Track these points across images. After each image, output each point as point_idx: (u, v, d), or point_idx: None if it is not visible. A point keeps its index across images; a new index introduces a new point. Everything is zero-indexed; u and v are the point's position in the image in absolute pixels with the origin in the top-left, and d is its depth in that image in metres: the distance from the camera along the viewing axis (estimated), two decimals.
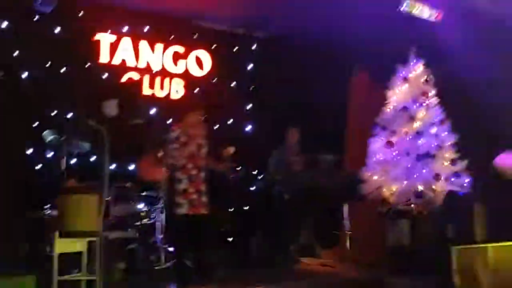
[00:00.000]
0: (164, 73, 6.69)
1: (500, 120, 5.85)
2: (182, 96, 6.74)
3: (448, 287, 4.62)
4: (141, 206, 5.76)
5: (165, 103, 6.58)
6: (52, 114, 5.95)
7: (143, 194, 5.83)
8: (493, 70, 5.73)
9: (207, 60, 6.97)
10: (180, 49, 6.83)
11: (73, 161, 5.86)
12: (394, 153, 6.31)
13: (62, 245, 4.27)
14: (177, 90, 6.77)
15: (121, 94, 5.85)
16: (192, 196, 4.85)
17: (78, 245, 4.36)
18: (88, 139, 5.17)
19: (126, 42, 6.46)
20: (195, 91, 6.85)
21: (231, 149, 5.28)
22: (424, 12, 5.55)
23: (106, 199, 4.43)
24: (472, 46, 5.81)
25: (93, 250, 4.37)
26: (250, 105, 7.26)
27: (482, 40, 5.68)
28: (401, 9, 5.49)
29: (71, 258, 4.46)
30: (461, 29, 5.75)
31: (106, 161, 4.05)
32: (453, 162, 6.11)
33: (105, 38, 6.34)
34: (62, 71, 6.06)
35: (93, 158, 5.89)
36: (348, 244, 6.36)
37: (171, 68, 6.76)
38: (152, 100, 6.54)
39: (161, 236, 5.72)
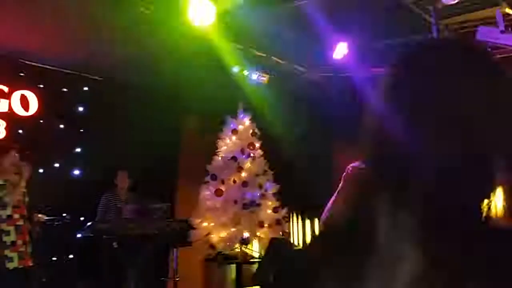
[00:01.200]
0: None
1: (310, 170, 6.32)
2: (3, 138, 6.34)
3: None
4: None
5: None
6: None
7: None
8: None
9: (33, 101, 6.64)
10: (3, 87, 6.44)
11: None
12: (222, 201, 6.47)
13: None
14: None
15: None
16: (21, 248, 4.69)
17: None
18: None
19: None
20: (19, 133, 6.49)
21: (43, 217, 5.23)
22: (253, 75, 6.02)
23: None
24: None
25: None
26: (79, 149, 7.02)
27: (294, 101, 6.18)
28: (233, 71, 5.91)
29: None
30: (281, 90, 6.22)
31: None
32: (275, 210, 6.40)
33: None
34: None
35: None
36: None
37: None
38: None
39: None
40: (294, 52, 6.16)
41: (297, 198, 6.47)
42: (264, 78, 6.13)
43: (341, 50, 6.15)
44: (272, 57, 6.06)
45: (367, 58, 6.38)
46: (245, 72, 5.98)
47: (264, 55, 5.97)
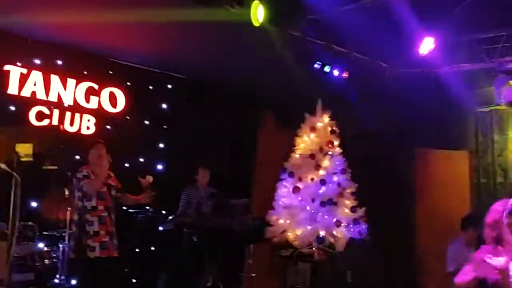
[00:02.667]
0: (75, 108, 6.61)
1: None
2: (93, 133, 6.68)
3: None
4: (42, 245, 5.66)
5: (74, 139, 6.50)
6: None
7: (45, 233, 5.75)
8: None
9: (120, 98, 6.94)
10: (93, 85, 6.79)
11: None
12: (299, 199, 6.42)
13: None
14: (88, 126, 6.72)
15: (38, 138, 5.81)
16: (103, 239, 4.83)
17: None
18: None
19: (37, 75, 6.35)
20: (107, 128, 6.81)
21: (150, 178, 5.25)
22: (334, 71, 5.90)
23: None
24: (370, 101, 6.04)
25: None
26: (162, 145, 7.25)
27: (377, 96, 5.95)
28: (314, 66, 5.82)
29: None
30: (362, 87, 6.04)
31: (17, 207, 4.00)
32: (352, 209, 6.26)
33: (15, 70, 6.21)
34: None
35: None
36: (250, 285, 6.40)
37: (83, 103, 6.69)
38: (63, 136, 6.48)
39: (63, 277, 5.65)
40: (377, 48, 5.98)
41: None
42: (345, 75, 5.97)
43: (427, 45, 5.88)
44: (354, 53, 5.91)
45: (454, 54, 6.06)
46: (326, 68, 5.87)
47: (346, 50, 5.84)
